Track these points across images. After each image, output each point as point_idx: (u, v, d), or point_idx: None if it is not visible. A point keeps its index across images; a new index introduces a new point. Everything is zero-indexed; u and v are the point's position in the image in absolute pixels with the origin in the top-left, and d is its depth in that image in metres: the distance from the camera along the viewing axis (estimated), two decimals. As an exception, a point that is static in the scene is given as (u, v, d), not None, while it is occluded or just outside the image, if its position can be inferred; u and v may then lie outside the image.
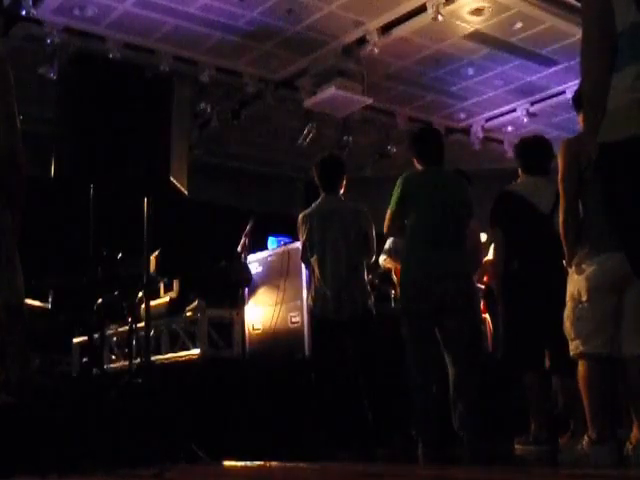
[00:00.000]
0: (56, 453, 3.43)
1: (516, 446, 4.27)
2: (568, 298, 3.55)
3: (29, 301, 6.19)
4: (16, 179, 2.62)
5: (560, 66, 8.47)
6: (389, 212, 4.31)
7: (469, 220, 4.42)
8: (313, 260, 4.71)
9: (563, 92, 9.04)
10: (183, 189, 4.44)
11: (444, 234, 4.22)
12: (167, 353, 5.53)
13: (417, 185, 4.32)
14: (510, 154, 9.83)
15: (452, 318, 4.14)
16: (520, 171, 4.52)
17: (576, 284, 3.50)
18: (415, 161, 4.45)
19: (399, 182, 4.30)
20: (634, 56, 1.63)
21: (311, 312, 4.89)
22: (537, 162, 4.46)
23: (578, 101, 3.73)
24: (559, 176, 3.59)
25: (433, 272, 4.13)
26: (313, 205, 4.88)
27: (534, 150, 4.53)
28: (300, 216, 4.86)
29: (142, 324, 4.78)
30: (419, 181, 4.36)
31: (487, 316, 6.85)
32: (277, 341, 5.82)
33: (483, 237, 5.62)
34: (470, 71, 8.66)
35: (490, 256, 5.48)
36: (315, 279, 4.71)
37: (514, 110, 9.68)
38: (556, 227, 3.90)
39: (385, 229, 4.39)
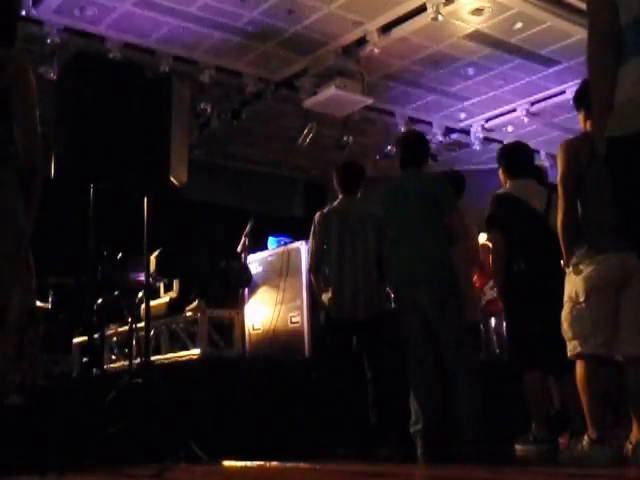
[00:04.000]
0: (56, 452, 3.44)
1: (516, 446, 4.27)
2: (566, 299, 3.55)
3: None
4: (35, 182, 2.66)
5: (560, 66, 8.46)
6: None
7: (449, 214, 4.38)
8: (330, 260, 4.74)
9: (563, 92, 9.03)
10: (183, 189, 4.43)
11: (412, 238, 4.28)
12: (167, 353, 5.53)
13: (387, 196, 4.51)
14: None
15: (434, 320, 4.16)
16: (506, 177, 4.54)
17: (574, 285, 3.50)
18: None
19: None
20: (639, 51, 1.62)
21: (327, 312, 4.86)
22: (523, 164, 4.52)
23: (579, 100, 3.73)
24: (558, 176, 3.60)
25: (407, 280, 4.26)
26: (331, 206, 4.97)
27: (518, 153, 4.61)
28: (317, 215, 4.91)
29: (142, 324, 4.79)
30: (388, 190, 4.53)
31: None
32: (277, 341, 5.82)
33: (483, 237, 5.61)
34: (470, 71, 8.65)
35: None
36: (332, 279, 4.73)
37: (514, 110, 9.67)
38: (552, 226, 3.91)
39: None
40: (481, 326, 6.09)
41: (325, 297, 4.78)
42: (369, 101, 8.49)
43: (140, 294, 5.48)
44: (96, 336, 4.83)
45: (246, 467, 3.86)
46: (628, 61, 1.62)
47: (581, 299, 3.45)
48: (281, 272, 5.85)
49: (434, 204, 4.33)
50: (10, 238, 2.49)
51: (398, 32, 7.59)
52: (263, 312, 6.02)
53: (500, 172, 4.59)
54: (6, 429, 2.56)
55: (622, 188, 1.66)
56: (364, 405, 4.56)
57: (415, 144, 4.62)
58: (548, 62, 8.40)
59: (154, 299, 5.76)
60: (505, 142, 10.43)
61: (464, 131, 10.29)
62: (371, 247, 4.76)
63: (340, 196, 4.99)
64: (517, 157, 4.57)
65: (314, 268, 4.87)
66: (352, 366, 4.66)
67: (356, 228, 4.79)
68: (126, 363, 5.23)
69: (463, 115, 9.95)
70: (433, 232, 4.31)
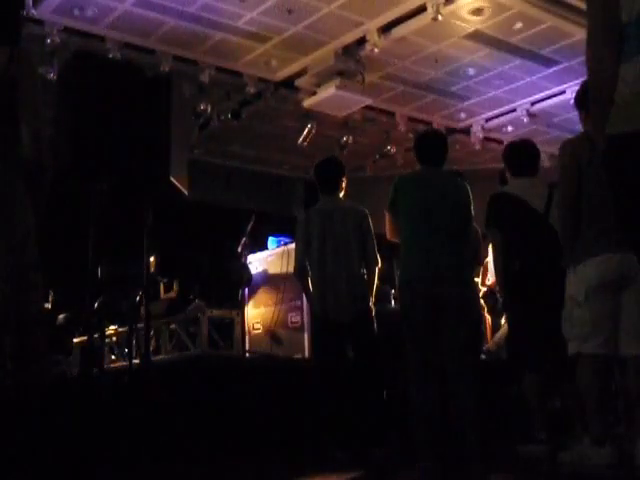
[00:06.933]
0: (56, 453, 3.43)
1: (516, 446, 4.27)
2: (566, 299, 3.55)
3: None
4: (41, 182, 2.66)
5: (560, 66, 8.46)
6: (386, 216, 4.35)
7: (469, 221, 4.41)
8: (313, 261, 4.70)
9: (563, 92, 9.03)
10: (183, 189, 4.44)
11: (440, 235, 4.21)
12: (167, 353, 5.53)
13: (408, 186, 4.32)
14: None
15: (450, 320, 4.14)
16: (509, 175, 4.54)
17: (574, 285, 3.50)
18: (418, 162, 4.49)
19: (392, 184, 4.33)
20: None
21: (312, 313, 4.87)
22: (526, 163, 4.50)
23: (580, 100, 3.73)
24: (559, 176, 3.60)
25: (430, 274, 4.13)
26: (313, 207, 4.89)
27: (523, 152, 4.58)
28: (299, 217, 4.86)
29: (142, 324, 4.78)
30: (411, 181, 4.37)
31: (488, 317, 6.85)
32: (277, 341, 5.83)
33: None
34: (470, 71, 8.65)
35: (490, 257, 5.49)
36: (315, 280, 4.70)
37: (514, 110, 9.66)
38: (553, 225, 3.91)
39: (387, 234, 4.42)
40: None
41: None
42: (369, 101, 8.49)
43: (140, 294, 5.48)
44: (96, 336, 4.83)
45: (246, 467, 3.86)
46: (630, 59, 1.61)
47: (581, 299, 3.45)
48: (281, 272, 5.85)
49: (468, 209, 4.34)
50: (17, 238, 2.49)
51: (398, 32, 7.59)
52: (263, 312, 6.03)
53: (505, 170, 4.60)
54: (7, 429, 2.56)
55: (620, 185, 1.65)
56: (363, 405, 4.55)
57: (439, 142, 4.54)
58: (548, 62, 8.39)
59: (154, 299, 5.76)
60: (505, 142, 10.49)
61: (464, 131, 10.29)
62: (354, 246, 4.66)
63: (321, 196, 4.86)
64: (519, 155, 4.56)
65: (298, 272, 4.77)
66: (348, 366, 4.65)
67: (337, 227, 4.68)
68: (126, 363, 5.23)
69: (463, 115, 9.95)
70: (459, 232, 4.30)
